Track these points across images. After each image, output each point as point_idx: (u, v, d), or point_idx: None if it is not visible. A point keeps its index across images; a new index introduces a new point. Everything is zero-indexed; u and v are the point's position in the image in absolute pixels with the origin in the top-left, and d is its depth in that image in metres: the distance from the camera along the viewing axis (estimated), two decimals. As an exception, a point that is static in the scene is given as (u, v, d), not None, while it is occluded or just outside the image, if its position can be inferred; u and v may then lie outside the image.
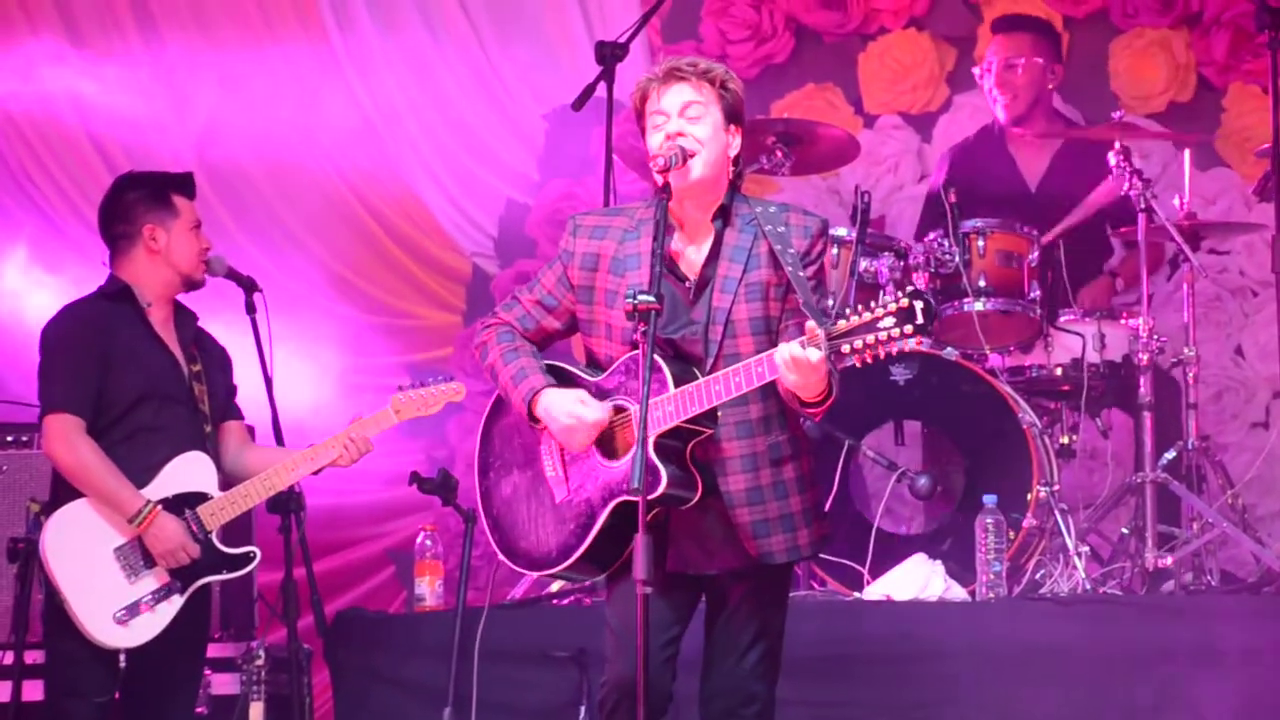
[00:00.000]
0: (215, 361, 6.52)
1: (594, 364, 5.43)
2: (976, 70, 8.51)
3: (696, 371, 5.24)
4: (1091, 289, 8.03)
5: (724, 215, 5.35)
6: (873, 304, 4.97)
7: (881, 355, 4.96)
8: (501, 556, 5.49)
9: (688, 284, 5.33)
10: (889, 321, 4.94)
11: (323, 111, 9.20)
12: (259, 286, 6.74)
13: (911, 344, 4.95)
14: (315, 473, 6.45)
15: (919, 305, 4.92)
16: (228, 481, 6.37)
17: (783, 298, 5.31)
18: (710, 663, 5.43)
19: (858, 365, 5.03)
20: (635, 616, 4.97)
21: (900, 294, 4.96)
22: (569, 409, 5.30)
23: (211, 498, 6.29)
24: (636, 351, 5.24)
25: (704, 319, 5.30)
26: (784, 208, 5.38)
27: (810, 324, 5.01)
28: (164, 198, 6.45)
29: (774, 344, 5.26)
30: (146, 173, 6.65)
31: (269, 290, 6.77)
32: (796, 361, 4.99)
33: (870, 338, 4.95)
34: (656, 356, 5.18)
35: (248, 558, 6.35)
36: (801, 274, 5.19)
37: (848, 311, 5.00)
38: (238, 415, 6.57)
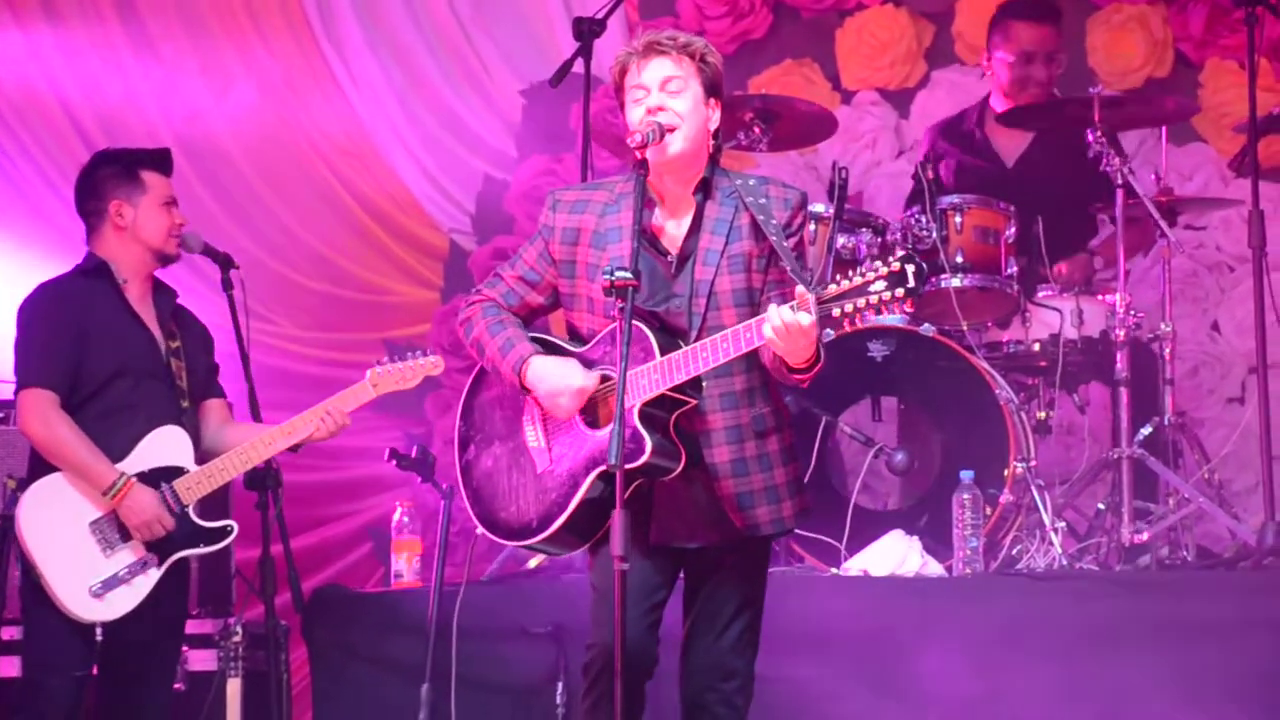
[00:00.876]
0: (195, 339, 6.51)
1: (576, 338, 5.43)
2: (984, 59, 8.42)
3: (681, 344, 5.24)
4: (1070, 263, 8.03)
5: (705, 188, 5.35)
6: (863, 268, 4.98)
7: (871, 316, 4.97)
8: (482, 528, 5.49)
9: (670, 258, 5.33)
10: (880, 285, 4.94)
11: (300, 89, 9.19)
12: (235, 263, 6.72)
13: (895, 314, 4.97)
14: (294, 449, 6.44)
15: (910, 269, 4.93)
16: (207, 459, 6.37)
17: (765, 269, 5.32)
18: (690, 638, 5.43)
19: (847, 328, 5.04)
20: (621, 581, 5.00)
21: (891, 258, 4.98)
22: (558, 373, 5.30)
23: (188, 471, 6.28)
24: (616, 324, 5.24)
25: (687, 292, 5.30)
26: (764, 180, 5.39)
27: (800, 288, 5.01)
28: (133, 174, 6.44)
29: (756, 315, 5.26)
30: (120, 149, 6.65)
31: (246, 266, 6.76)
32: (788, 327, 4.99)
33: (861, 301, 4.96)
34: (642, 325, 5.19)
35: (225, 531, 6.34)
36: (785, 244, 5.20)
37: (837, 277, 5.01)
38: (219, 394, 6.56)
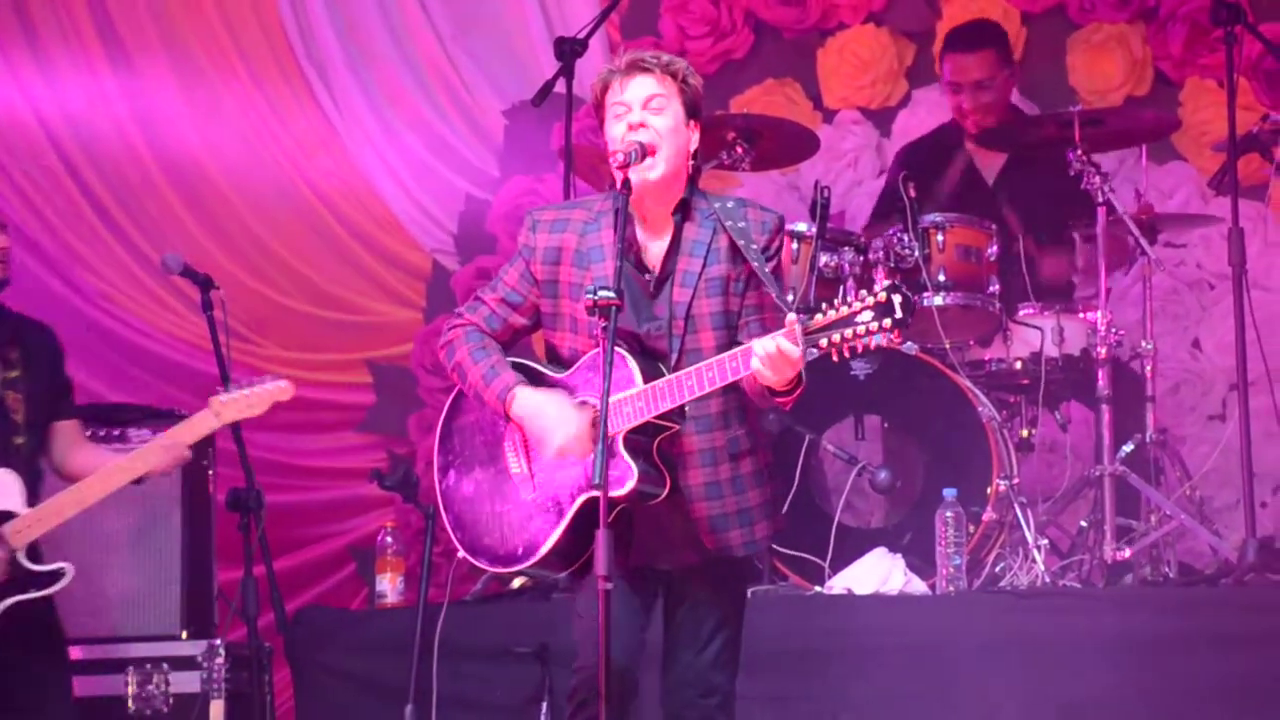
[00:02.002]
0: (42, 360, 6.33)
1: (556, 359, 5.44)
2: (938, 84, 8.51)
3: (662, 367, 5.26)
4: (1054, 261, 8.04)
5: (683, 209, 5.36)
6: (850, 298, 4.99)
7: (859, 349, 4.98)
8: (466, 555, 5.49)
9: (649, 277, 5.34)
10: (867, 315, 4.96)
11: (280, 107, 9.19)
12: (216, 284, 6.71)
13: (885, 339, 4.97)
14: (137, 482, 6.30)
15: (897, 299, 4.94)
16: (65, 478, 6.24)
17: (742, 293, 5.34)
18: (671, 655, 5.43)
19: (834, 359, 5.05)
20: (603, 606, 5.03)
21: (878, 288, 4.98)
22: (551, 414, 5.28)
23: (16, 515, 6.15)
24: (599, 350, 5.23)
25: (666, 314, 5.31)
26: (741, 203, 5.40)
27: (790, 318, 5.02)
28: None
29: (734, 339, 5.29)
30: None
31: (226, 287, 6.76)
32: (777, 357, 5.00)
33: (849, 331, 4.97)
34: (623, 352, 5.19)
35: (56, 575, 6.19)
36: (767, 270, 5.21)
37: (824, 306, 5.02)
38: (70, 414, 6.40)
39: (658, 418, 5.22)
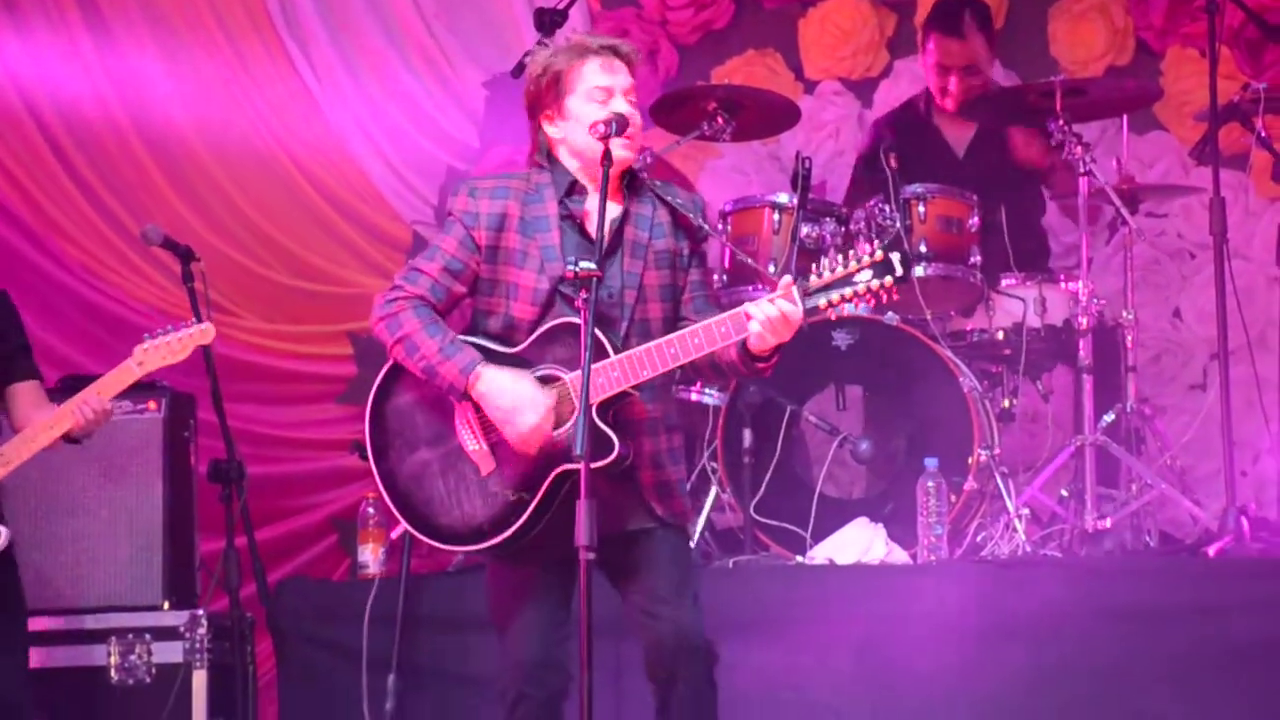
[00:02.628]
0: None
1: (484, 328, 5.37)
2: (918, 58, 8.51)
3: (614, 336, 5.24)
4: (1026, 141, 8.08)
5: (629, 183, 5.42)
6: (848, 257, 5.03)
7: (858, 306, 5.03)
8: (418, 535, 5.40)
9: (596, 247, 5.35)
10: (867, 274, 5.00)
11: (260, 78, 9.17)
12: (196, 255, 6.69)
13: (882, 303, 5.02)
14: (73, 441, 6.17)
15: (895, 257, 4.99)
16: None
17: (686, 267, 5.42)
18: (650, 617, 5.34)
19: (832, 319, 5.10)
20: (530, 593, 5.24)
21: (874, 246, 5.02)
22: (522, 394, 5.22)
23: None
24: (556, 321, 5.25)
25: (619, 284, 5.33)
26: (668, 184, 5.51)
27: (785, 280, 5.07)
28: None
29: (677, 311, 5.38)
30: None
31: (207, 259, 6.74)
32: (779, 320, 5.05)
33: (848, 290, 5.02)
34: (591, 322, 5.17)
35: None
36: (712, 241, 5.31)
37: (819, 266, 5.07)
38: (27, 375, 6.28)
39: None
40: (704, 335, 5.16)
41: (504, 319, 5.35)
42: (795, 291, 5.05)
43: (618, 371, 5.19)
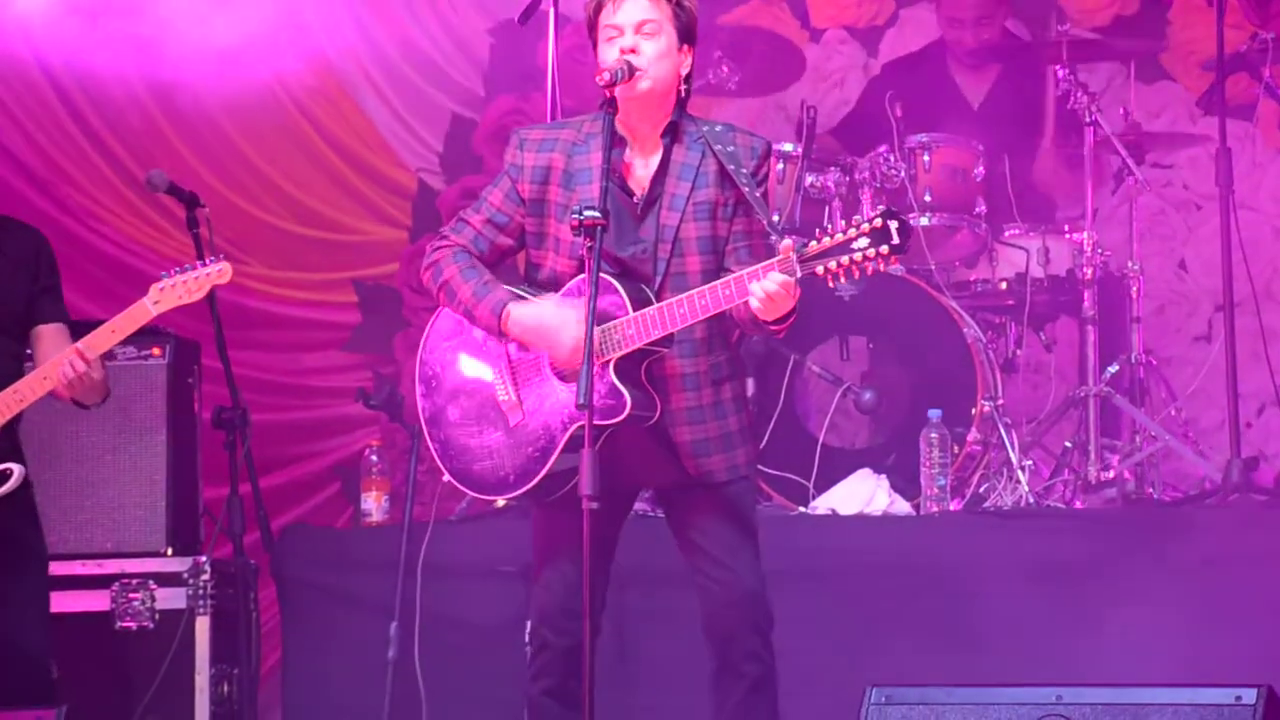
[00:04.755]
0: (16, 263, 6.14)
1: (534, 280, 5.40)
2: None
3: (648, 291, 5.23)
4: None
5: (672, 132, 5.33)
6: (846, 224, 4.98)
7: (856, 275, 4.97)
8: (454, 482, 5.46)
9: (636, 199, 5.32)
10: (864, 242, 4.95)
11: (266, 25, 9.12)
12: (201, 202, 6.66)
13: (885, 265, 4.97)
14: (83, 407, 6.10)
15: (894, 225, 4.94)
16: None
17: (730, 218, 5.31)
18: (696, 573, 5.35)
19: (830, 285, 5.05)
20: (566, 542, 5.16)
21: (874, 213, 4.98)
22: (554, 318, 5.24)
23: None
24: (580, 278, 5.21)
25: (652, 236, 5.29)
26: (729, 128, 5.37)
27: (785, 243, 5.02)
28: None
29: (720, 263, 5.28)
30: None
31: (212, 205, 6.72)
32: (777, 293, 5.00)
33: (845, 258, 4.96)
34: (610, 277, 5.17)
35: (2, 477, 6.02)
36: (759, 195, 5.20)
37: (819, 232, 5.02)
38: (52, 317, 6.16)
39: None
40: (710, 296, 5.12)
41: (549, 272, 5.35)
42: (793, 257, 5.00)
43: (632, 329, 5.17)
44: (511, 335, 5.31)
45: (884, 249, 4.94)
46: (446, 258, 5.40)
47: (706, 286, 5.14)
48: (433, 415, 5.49)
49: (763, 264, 5.07)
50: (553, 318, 5.25)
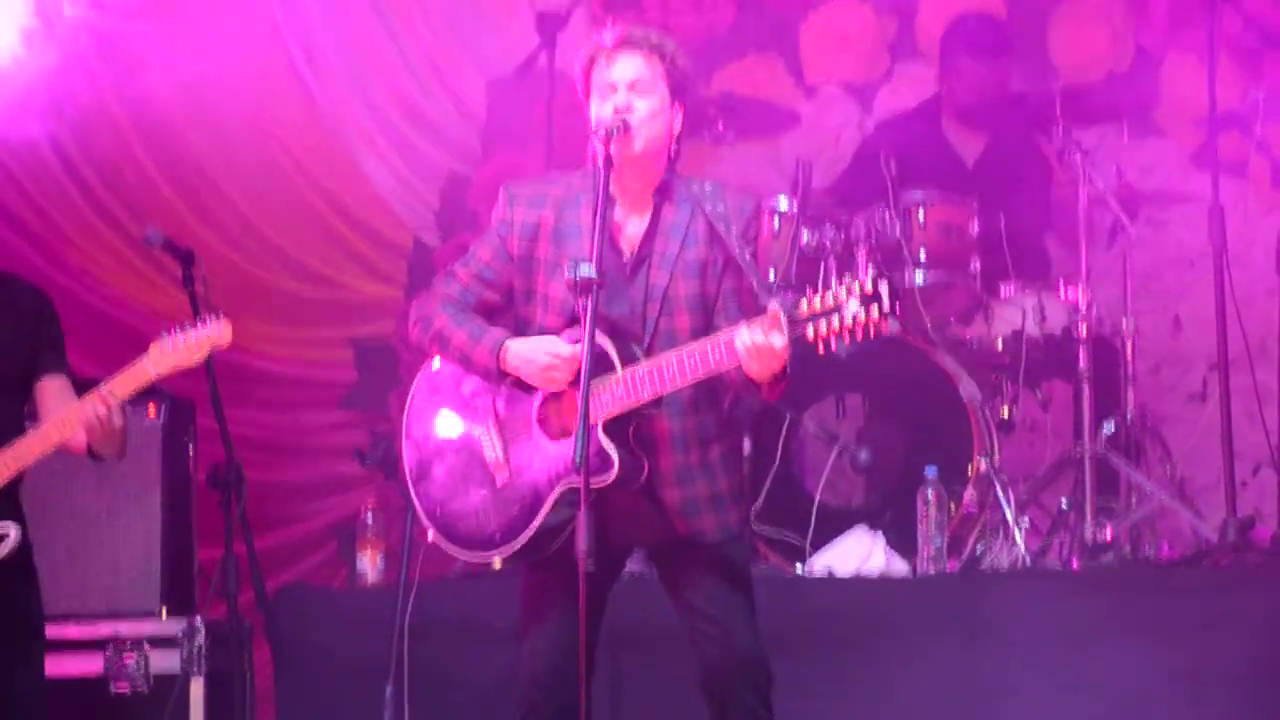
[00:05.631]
0: (19, 322, 6.07)
1: (523, 336, 5.36)
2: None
3: (636, 349, 5.22)
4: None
5: (663, 191, 5.33)
6: (835, 287, 4.94)
7: (847, 341, 4.94)
8: (440, 542, 5.45)
9: (625, 259, 5.31)
10: (854, 305, 4.92)
11: (262, 79, 9.14)
12: (197, 258, 6.66)
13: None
14: (95, 458, 6.00)
15: (883, 288, 4.90)
16: None
17: (719, 276, 5.30)
18: (706, 637, 5.33)
19: (820, 353, 5.02)
20: (555, 602, 5.17)
21: (865, 276, 4.98)
22: (545, 348, 5.23)
23: None
24: (576, 328, 5.19)
25: (641, 296, 5.28)
26: (718, 186, 5.36)
27: (774, 305, 4.99)
28: None
29: (710, 322, 5.26)
30: None
31: (209, 262, 6.71)
32: (765, 347, 4.97)
33: (835, 321, 4.93)
34: (602, 337, 5.15)
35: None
36: (748, 256, 5.19)
37: (809, 292, 4.98)
38: (54, 369, 6.06)
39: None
40: (699, 358, 5.10)
41: (538, 329, 5.33)
42: (783, 318, 4.97)
43: (621, 389, 5.16)
44: (509, 368, 5.27)
45: (875, 313, 4.89)
46: (435, 309, 5.40)
47: (695, 345, 5.12)
48: (419, 473, 5.48)
49: (751, 320, 5.03)
50: (552, 339, 5.23)
